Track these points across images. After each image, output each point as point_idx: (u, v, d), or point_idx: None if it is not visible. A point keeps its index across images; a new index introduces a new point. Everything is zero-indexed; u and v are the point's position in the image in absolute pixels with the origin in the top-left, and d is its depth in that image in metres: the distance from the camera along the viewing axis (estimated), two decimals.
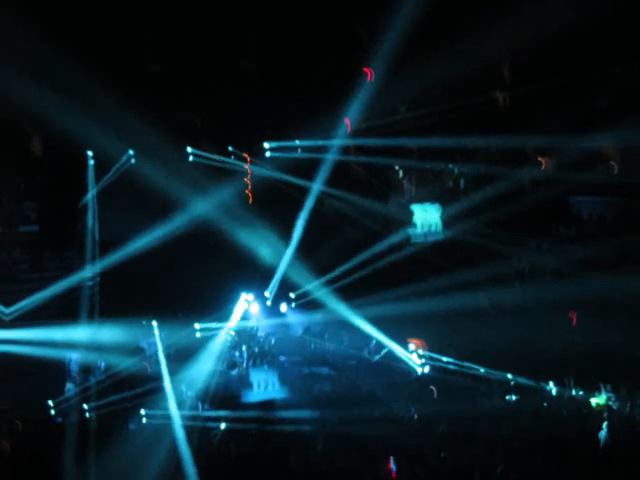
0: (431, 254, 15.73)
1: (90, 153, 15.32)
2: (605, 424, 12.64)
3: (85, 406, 14.15)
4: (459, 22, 13.88)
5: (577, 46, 14.40)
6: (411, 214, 16.56)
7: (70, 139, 14.24)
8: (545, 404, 14.18)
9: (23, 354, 14.65)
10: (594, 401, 14.03)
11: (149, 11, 14.31)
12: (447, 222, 16.46)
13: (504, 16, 13.38)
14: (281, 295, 16.05)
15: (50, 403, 14.28)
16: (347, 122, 15.43)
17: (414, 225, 16.50)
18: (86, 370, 15.14)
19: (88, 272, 15.43)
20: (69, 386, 14.95)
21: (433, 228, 16.46)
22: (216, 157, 15.70)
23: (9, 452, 12.64)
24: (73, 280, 15.39)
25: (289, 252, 15.77)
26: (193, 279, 15.40)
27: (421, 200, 16.66)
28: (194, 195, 15.25)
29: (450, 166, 16.51)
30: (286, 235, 15.81)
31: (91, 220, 15.55)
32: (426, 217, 16.51)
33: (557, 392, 14.48)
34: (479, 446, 12.09)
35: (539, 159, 16.08)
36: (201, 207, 15.28)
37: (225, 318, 15.57)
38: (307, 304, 15.95)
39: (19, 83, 13.63)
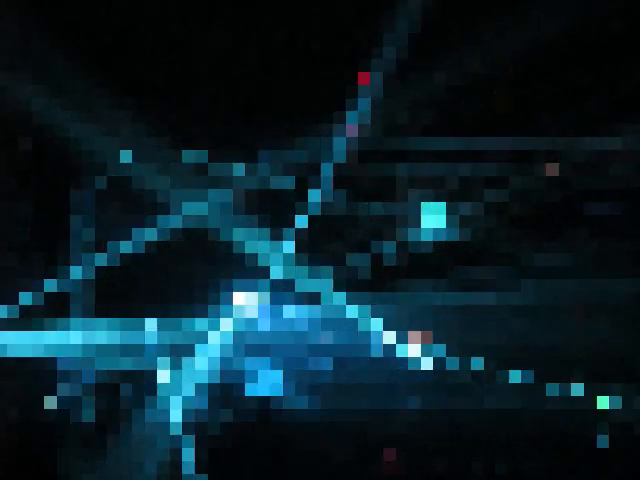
0: (438, 253, 15.97)
1: (85, 153, 15.43)
2: (607, 425, 12.86)
3: (82, 406, 14.23)
4: (460, 24, 14.35)
5: (581, 47, 14.92)
6: (417, 215, 16.78)
7: (64, 139, 14.36)
8: (547, 403, 14.45)
9: (16, 354, 14.70)
10: (597, 402, 14.29)
11: (147, 10, 14.58)
12: (455, 222, 16.72)
13: (509, 15, 13.84)
14: (280, 292, 16.34)
15: (47, 404, 14.32)
16: (349, 127, 15.71)
17: (420, 225, 16.68)
18: (81, 370, 15.23)
19: (78, 272, 15.54)
20: (65, 386, 15.01)
21: (441, 228, 16.60)
22: (210, 160, 15.94)
23: (10, 452, 12.69)
24: (63, 280, 15.50)
25: (286, 251, 16.08)
26: (186, 278, 15.60)
27: (427, 200, 16.90)
28: (187, 196, 15.47)
29: (456, 169, 16.75)
30: (282, 236, 16.09)
31: (82, 221, 15.66)
32: (433, 218, 16.69)
33: (561, 391, 14.77)
34: (479, 442, 12.32)
35: (548, 161, 16.47)
36: (195, 208, 15.50)
37: (221, 315, 15.81)
38: (308, 299, 16.25)
39: (15, 81, 13.74)
